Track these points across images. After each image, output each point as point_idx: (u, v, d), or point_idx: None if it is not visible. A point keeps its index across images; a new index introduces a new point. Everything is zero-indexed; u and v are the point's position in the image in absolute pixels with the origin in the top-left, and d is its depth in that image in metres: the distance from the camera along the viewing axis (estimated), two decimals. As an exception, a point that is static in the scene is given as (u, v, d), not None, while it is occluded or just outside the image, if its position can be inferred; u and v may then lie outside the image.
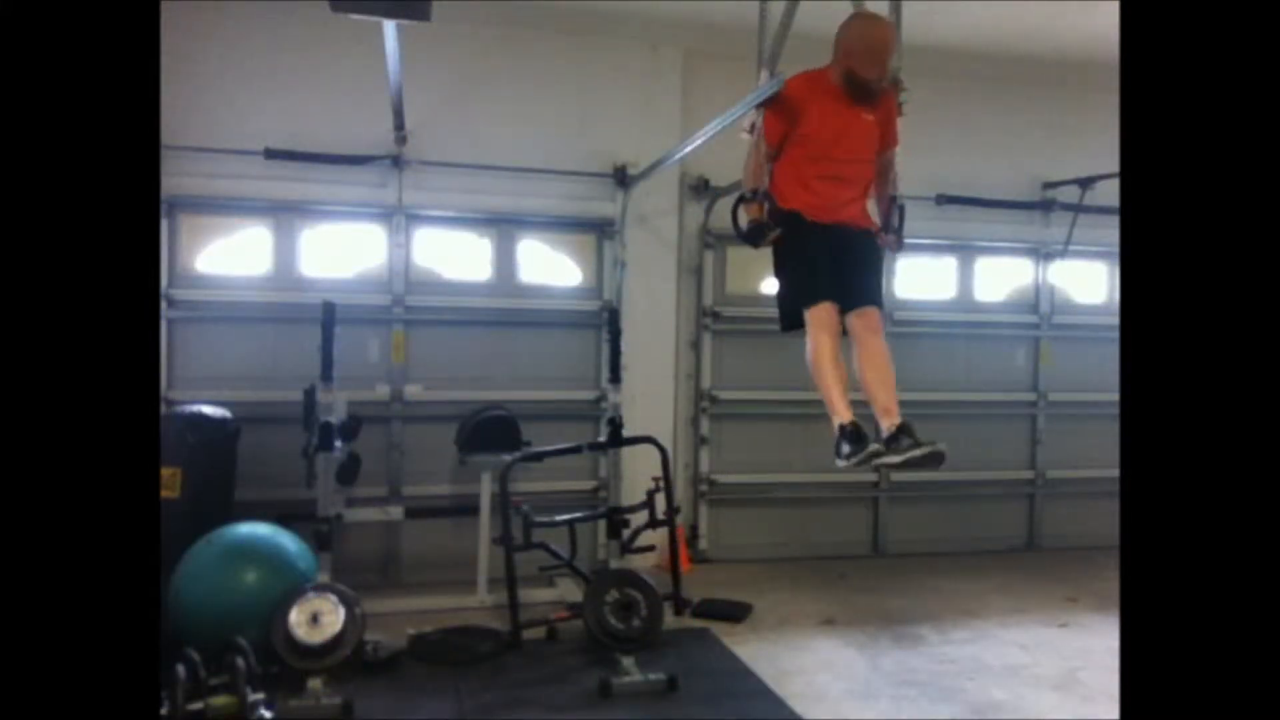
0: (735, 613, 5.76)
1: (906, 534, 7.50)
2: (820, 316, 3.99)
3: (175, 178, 5.93)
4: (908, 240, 4.38)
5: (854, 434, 3.96)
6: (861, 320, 4.06)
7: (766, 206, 3.98)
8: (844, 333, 4.08)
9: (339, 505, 5.60)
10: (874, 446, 3.90)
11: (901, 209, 4.25)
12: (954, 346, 7.64)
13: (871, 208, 4.35)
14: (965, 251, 7.70)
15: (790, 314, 4.11)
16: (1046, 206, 7.70)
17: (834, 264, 4.04)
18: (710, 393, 7.13)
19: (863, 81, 3.91)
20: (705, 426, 7.14)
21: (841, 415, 3.99)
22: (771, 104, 4.01)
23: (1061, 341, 7.84)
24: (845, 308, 4.05)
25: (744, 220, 4.06)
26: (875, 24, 3.94)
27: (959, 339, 7.66)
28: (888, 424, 3.95)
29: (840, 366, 4.00)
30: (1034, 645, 5.33)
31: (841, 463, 4.01)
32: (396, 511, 6.11)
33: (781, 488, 7.15)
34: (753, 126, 4.13)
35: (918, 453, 3.84)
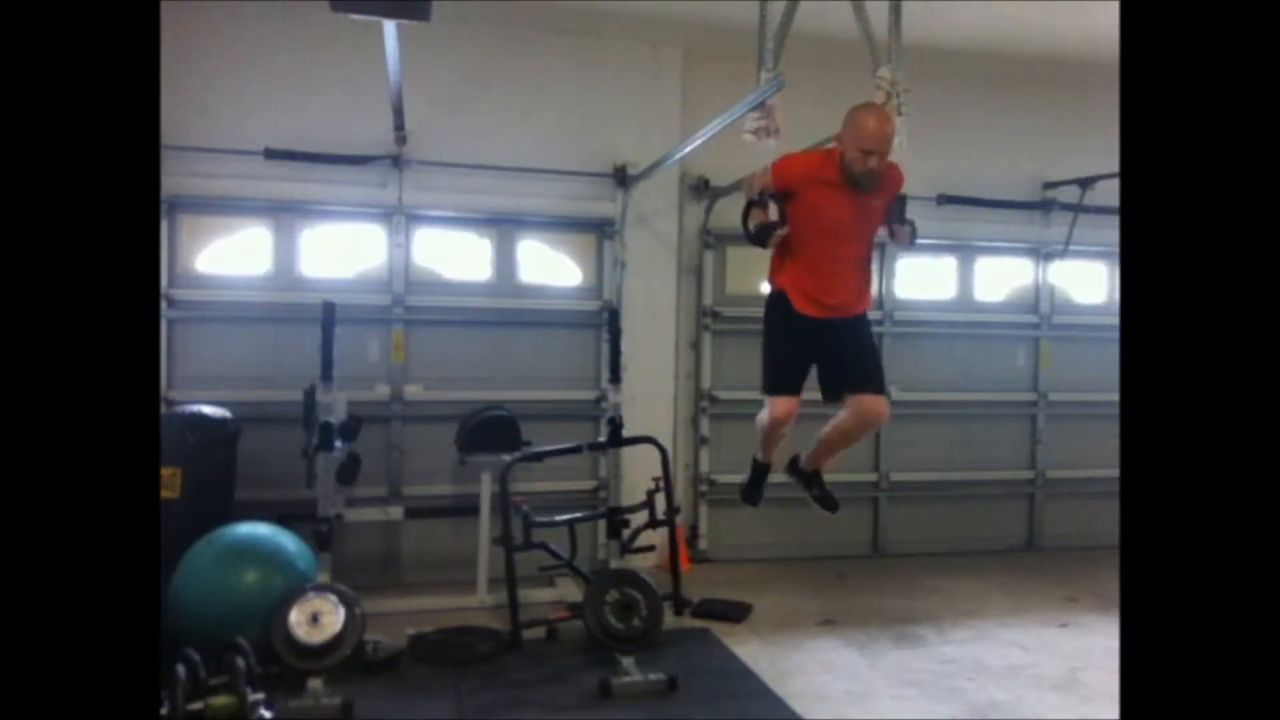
0: (735, 613, 5.76)
1: (906, 534, 7.50)
2: (778, 405, 4.19)
3: (175, 178, 5.93)
4: (918, 231, 4.36)
5: (760, 474, 4.63)
6: (859, 410, 4.18)
7: (773, 205, 3.99)
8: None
9: (339, 505, 5.60)
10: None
11: (902, 199, 4.22)
12: (954, 346, 7.64)
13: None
14: (965, 251, 7.70)
15: (763, 384, 4.31)
16: (1046, 206, 7.70)
17: (818, 352, 4.17)
18: (710, 393, 7.13)
19: (854, 175, 3.93)
20: (705, 426, 7.14)
21: (763, 456, 4.55)
22: (775, 169, 4.05)
23: (1061, 341, 7.84)
24: (843, 391, 4.19)
25: (753, 225, 4.08)
26: (869, 115, 3.90)
27: (959, 339, 7.66)
28: (809, 466, 4.60)
29: (779, 439, 4.36)
30: (1034, 645, 5.33)
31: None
32: (396, 511, 6.11)
33: (782, 488, 7.10)
34: (755, 132, 4.14)
35: (819, 507, 4.69)
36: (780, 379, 4.21)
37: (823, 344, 4.16)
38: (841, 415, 4.24)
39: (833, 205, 4.00)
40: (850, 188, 3.97)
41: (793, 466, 4.67)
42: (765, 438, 4.37)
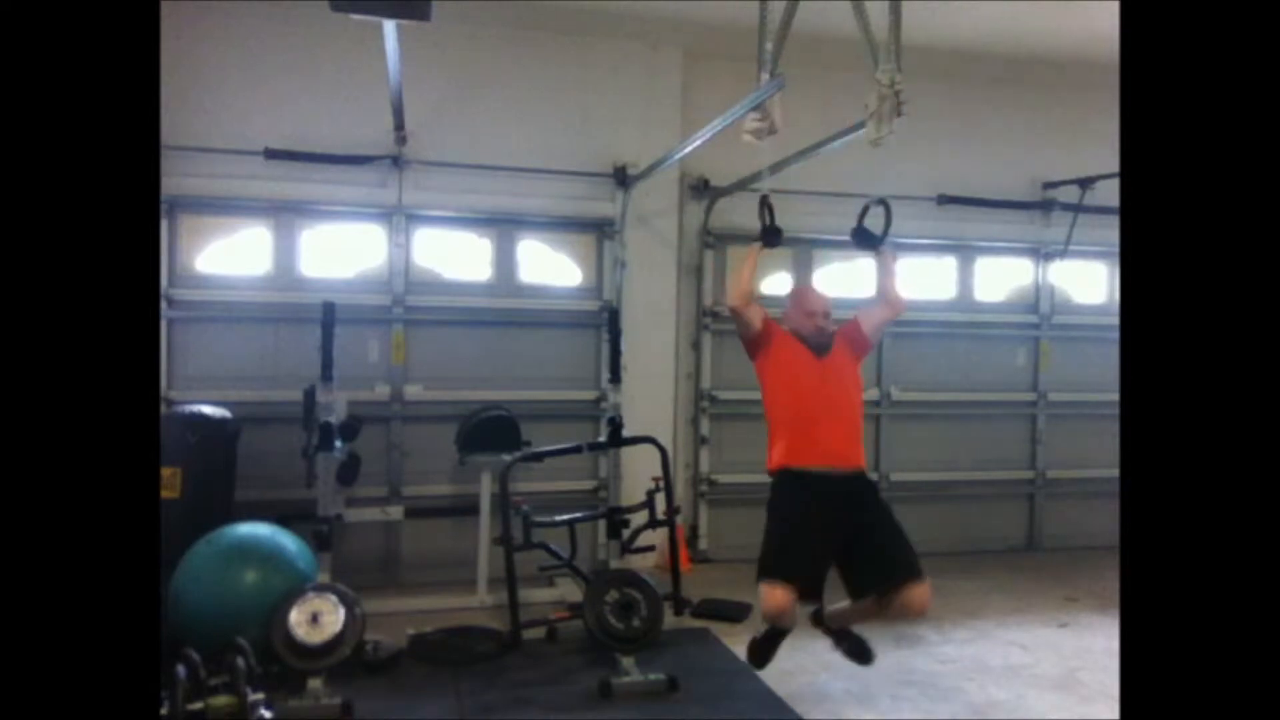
0: (735, 613, 5.75)
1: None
2: (773, 596, 3.93)
3: (175, 178, 5.93)
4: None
5: (772, 637, 4.33)
6: (899, 607, 4.02)
7: (765, 210, 4.11)
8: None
9: (339, 505, 5.60)
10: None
11: (887, 208, 4.31)
12: (954, 346, 7.64)
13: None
14: (965, 251, 7.70)
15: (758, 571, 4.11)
16: (1046, 206, 7.70)
17: (834, 537, 4.03)
18: (710, 393, 7.13)
19: (808, 339, 4.23)
20: (705, 426, 7.14)
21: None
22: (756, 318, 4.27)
23: (1061, 341, 7.84)
24: (874, 588, 4.06)
25: (768, 219, 4.21)
26: (800, 289, 4.66)
27: (959, 339, 7.66)
28: (836, 625, 4.44)
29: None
30: (1034, 645, 5.33)
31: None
32: (396, 511, 6.11)
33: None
34: (755, 133, 4.17)
35: (845, 653, 4.46)
36: (778, 559, 3.99)
37: (832, 521, 4.00)
38: (873, 601, 4.06)
39: (801, 363, 4.24)
40: (809, 347, 4.23)
41: (817, 619, 4.44)
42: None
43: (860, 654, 4.45)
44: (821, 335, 4.23)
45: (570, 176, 6.70)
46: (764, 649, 4.38)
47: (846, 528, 4.04)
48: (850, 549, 4.03)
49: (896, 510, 7.53)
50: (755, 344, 4.29)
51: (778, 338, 4.27)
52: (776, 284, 7.21)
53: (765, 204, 4.22)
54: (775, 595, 3.91)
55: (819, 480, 4.10)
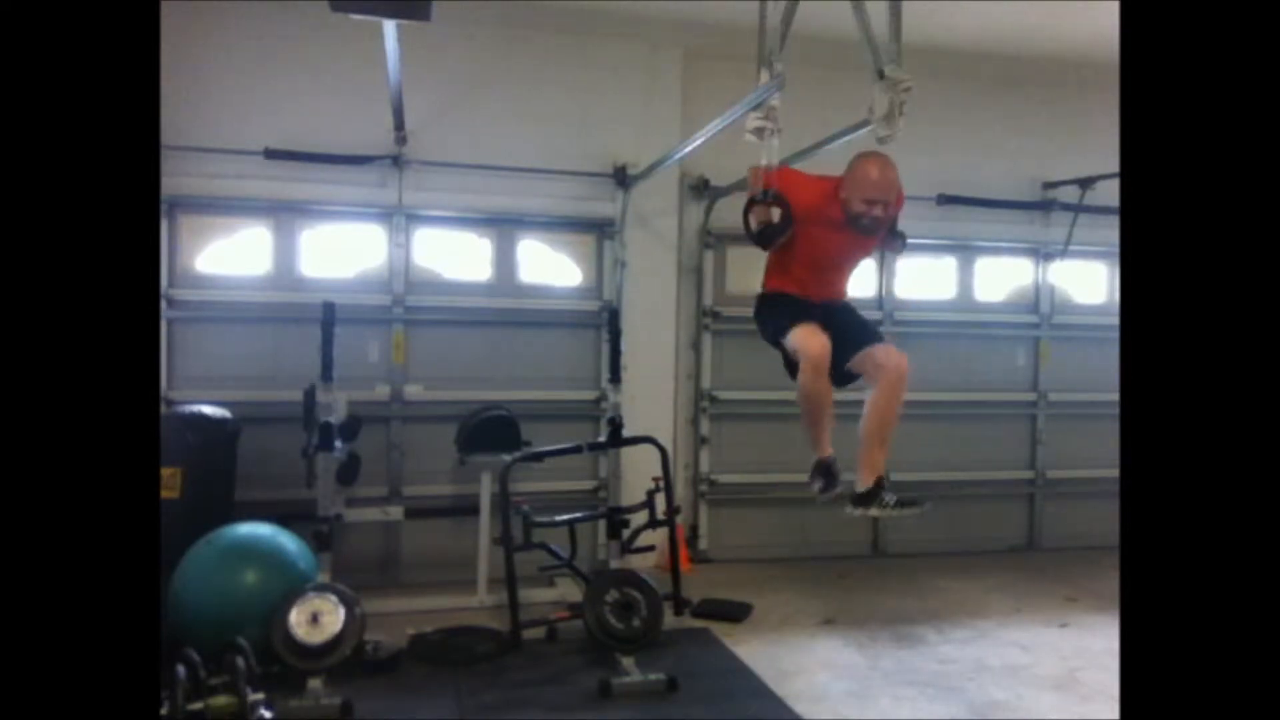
0: (735, 613, 5.76)
1: (906, 534, 7.49)
2: (809, 348, 3.93)
3: (175, 178, 5.93)
4: (907, 240, 4.41)
5: (827, 470, 4.22)
6: (876, 364, 4.03)
7: (776, 208, 3.98)
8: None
9: (339, 505, 5.60)
10: (858, 509, 4.07)
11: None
12: (954, 346, 7.64)
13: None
14: (965, 251, 7.70)
15: (777, 336, 4.14)
16: (1046, 206, 7.70)
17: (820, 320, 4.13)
18: (710, 393, 7.13)
19: (853, 216, 3.98)
20: (705, 426, 7.14)
21: (820, 450, 4.20)
22: (781, 182, 4.00)
23: (1061, 341, 7.84)
24: (853, 353, 4.09)
25: (754, 223, 4.06)
26: (872, 165, 3.95)
27: (959, 339, 7.66)
28: (866, 482, 4.04)
29: (827, 410, 4.09)
30: (1034, 645, 5.33)
31: (819, 497, 4.27)
32: (396, 511, 6.11)
33: (781, 488, 7.13)
34: (757, 132, 4.13)
35: (895, 511, 4.04)
36: (797, 318, 4.06)
37: (824, 319, 4.14)
38: (870, 395, 4.06)
39: (831, 243, 4.10)
40: (852, 229, 4.03)
41: (855, 498, 4.11)
42: (810, 413, 4.08)
43: (909, 503, 4.08)
44: (874, 223, 3.98)
45: (570, 176, 6.70)
46: (830, 482, 4.23)
47: (832, 319, 4.15)
48: (838, 331, 4.11)
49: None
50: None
51: (807, 217, 4.01)
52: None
53: (748, 210, 4.15)
54: (813, 339, 3.93)
55: (816, 304, 4.19)
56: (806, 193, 4.02)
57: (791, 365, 4.21)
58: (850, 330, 4.19)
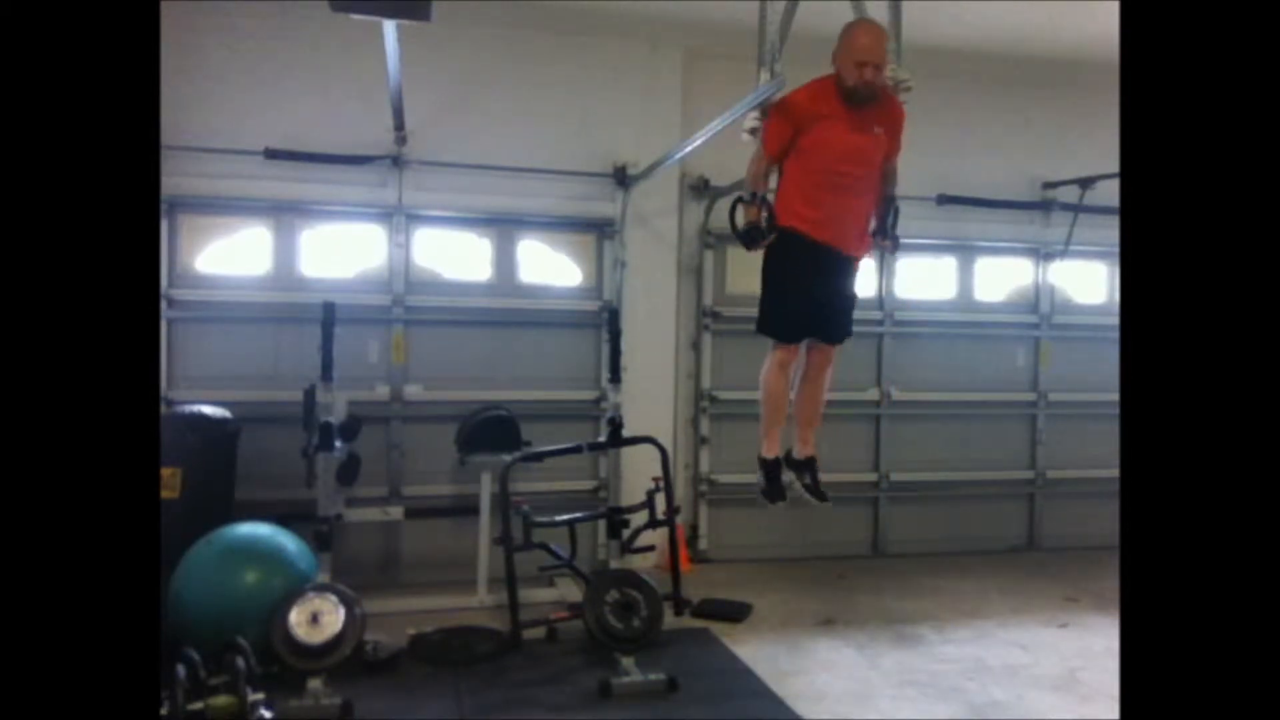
0: (735, 613, 5.76)
1: (906, 534, 7.50)
2: (786, 356, 4.19)
3: (175, 178, 5.93)
4: (907, 240, 4.42)
5: (771, 471, 4.44)
6: (821, 354, 4.30)
7: (764, 212, 3.98)
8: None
9: (339, 505, 5.60)
10: (787, 478, 4.47)
11: (896, 209, 4.26)
12: (954, 346, 7.64)
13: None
14: (965, 251, 7.70)
15: (763, 327, 4.24)
16: (1046, 206, 7.70)
17: (817, 298, 4.15)
18: (710, 393, 7.13)
19: (848, 89, 3.94)
20: (705, 426, 7.14)
21: (768, 450, 4.42)
22: (774, 114, 4.03)
23: (1061, 341, 7.84)
24: (821, 336, 4.27)
25: (741, 221, 4.05)
26: (858, 29, 3.97)
27: (959, 339, 7.66)
28: (802, 452, 4.46)
29: (782, 410, 4.32)
30: (1034, 645, 5.33)
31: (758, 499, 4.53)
32: (396, 511, 6.11)
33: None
34: (754, 131, 4.13)
35: (809, 496, 4.49)
36: (791, 324, 4.16)
37: (827, 288, 4.17)
38: (805, 373, 4.33)
39: (835, 136, 4.01)
40: (850, 107, 3.98)
41: (788, 459, 4.53)
42: (768, 407, 4.29)
43: (816, 492, 4.49)
44: (867, 88, 3.91)
45: (570, 176, 6.70)
46: (774, 483, 4.46)
47: (830, 290, 4.22)
48: (828, 309, 4.24)
49: (896, 509, 7.63)
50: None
51: (806, 125, 4.01)
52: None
53: (734, 209, 4.11)
54: (789, 352, 4.20)
55: (826, 255, 4.15)
56: (799, 93, 4.05)
57: (761, 326, 4.29)
58: (835, 308, 4.25)
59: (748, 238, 4.02)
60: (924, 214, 7.27)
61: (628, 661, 4.64)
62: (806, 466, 4.49)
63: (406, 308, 6.51)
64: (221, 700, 3.87)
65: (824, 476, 4.53)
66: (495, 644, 5.07)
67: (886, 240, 4.29)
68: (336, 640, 4.40)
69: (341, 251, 6.48)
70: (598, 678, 4.52)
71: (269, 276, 6.33)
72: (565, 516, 5.51)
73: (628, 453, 6.23)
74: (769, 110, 4.09)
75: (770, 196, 4.07)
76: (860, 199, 4.17)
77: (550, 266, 6.87)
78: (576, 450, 5.92)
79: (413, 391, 6.48)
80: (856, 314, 4.43)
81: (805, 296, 4.13)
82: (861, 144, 4.06)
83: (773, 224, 3.96)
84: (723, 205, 6.81)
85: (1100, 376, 7.52)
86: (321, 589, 4.58)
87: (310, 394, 5.31)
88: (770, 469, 4.45)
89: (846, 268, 4.26)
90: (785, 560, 7.04)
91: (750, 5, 4.32)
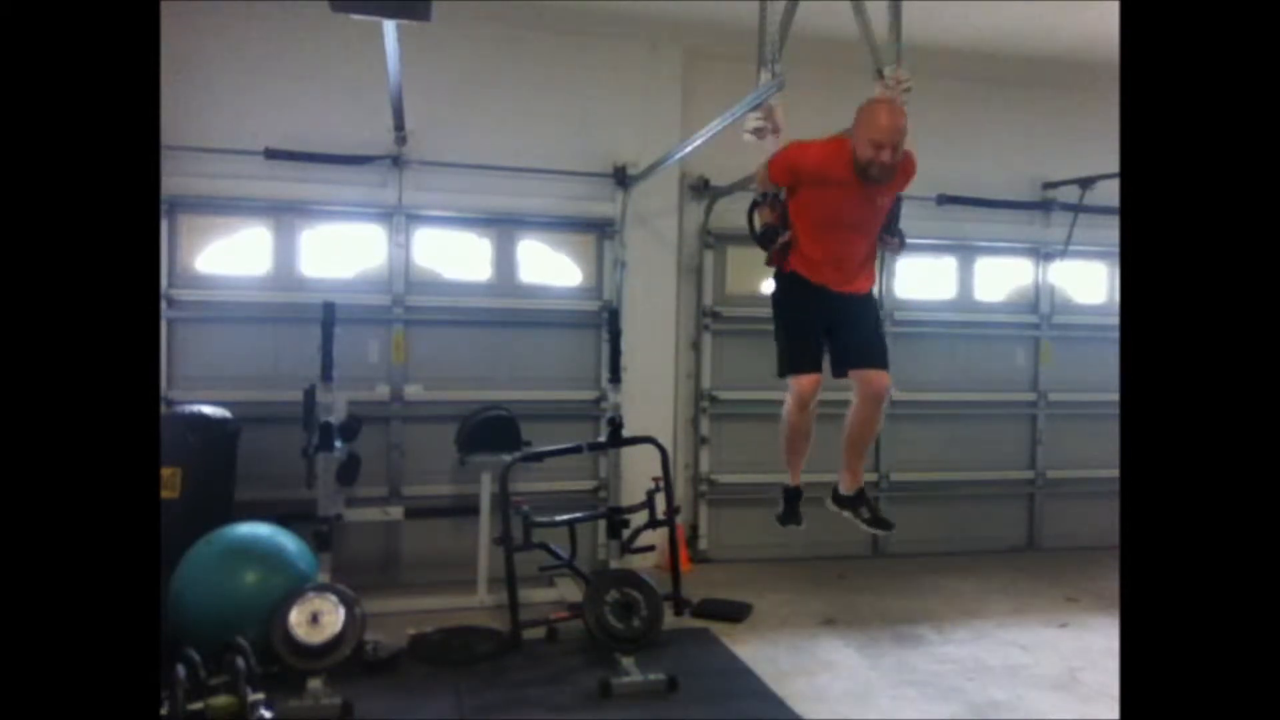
0: (735, 613, 5.76)
1: (906, 534, 7.46)
2: (801, 388, 4.08)
3: (175, 178, 5.93)
4: (907, 240, 4.39)
5: (792, 499, 4.43)
6: (864, 384, 4.09)
7: (778, 212, 3.99)
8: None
9: (339, 505, 5.60)
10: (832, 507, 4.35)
11: (898, 206, 4.24)
12: (954, 346, 7.65)
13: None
14: (965, 251, 7.71)
15: (779, 368, 4.17)
16: (1046, 206, 7.71)
17: (828, 329, 4.09)
18: (710, 393, 7.13)
19: (866, 168, 3.82)
20: (705, 426, 7.14)
21: (792, 477, 4.40)
22: (783, 162, 3.96)
23: (1061, 341, 7.84)
24: (848, 366, 4.11)
25: (758, 224, 4.07)
26: (878, 107, 3.84)
27: (959, 339, 7.67)
28: (848, 487, 4.31)
29: (805, 442, 4.25)
30: (1034, 645, 5.33)
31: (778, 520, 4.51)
32: (396, 511, 6.12)
33: (781, 488, 7.14)
34: (756, 131, 4.14)
35: (873, 529, 4.38)
36: (798, 357, 4.08)
37: (836, 320, 4.10)
38: (852, 408, 4.15)
39: (843, 202, 3.94)
40: (862, 182, 3.88)
41: (835, 497, 4.38)
42: (790, 441, 4.23)
43: (880, 524, 4.38)
44: (882, 169, 3.79)
45: (570, 176, 6.70)
46: (792, 511, 4.46)
47: (847, 322, 4.11)
48: (846, 338, 4.12)
49: (896, 509, 7.61)
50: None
51: (817, 182, 3.94)
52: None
53: (752, 210, 4.14)
54: (805, 381, 4.05)
55: (834, 294, 4.08)
56: (814, 154, 3.95)
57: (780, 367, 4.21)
58: (858, 336, 4.12)
59: (764, 239, 4.02)
60: (924, 214, 7.26)
61: (628, 661, 4.65)
62: (859, 501, 4.31)
63: (406, 308, 6.51)
64: (221, 700, 3.87)
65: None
66: (495, 644, 5.07)
67: (893, 239, 4.27)
68: (336, 640, 4.41)
69: (341, 251, 6.48)
70: (598, 678, 4.52)
71: (269, 276, 6.33)
72: (565, 516, 5.51)
73: (628, 453, 6.23)
74: (779, 153, 3.98)
75: (783, 195, 4.06)
76: (865, 238, 4.12)
77: (550, 266, 6.88)
78: (576, 450, 5.92)
79: (413, 391, 6.48)
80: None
81: (810, 331, 4.09)
82: (865, 214, 4.04)
83: (787, 222, 3.96)
84: (723, 205, 6.85)
85: (1100, 376, 7.53)
86: (321, 589, 4.58)
87: (310, 394, 5.31)
88: (789, 495, 4.45)
89: (854, 301, 4.17)
90: (785, 560, 7.04)
91: (750, 5, 4.32)
